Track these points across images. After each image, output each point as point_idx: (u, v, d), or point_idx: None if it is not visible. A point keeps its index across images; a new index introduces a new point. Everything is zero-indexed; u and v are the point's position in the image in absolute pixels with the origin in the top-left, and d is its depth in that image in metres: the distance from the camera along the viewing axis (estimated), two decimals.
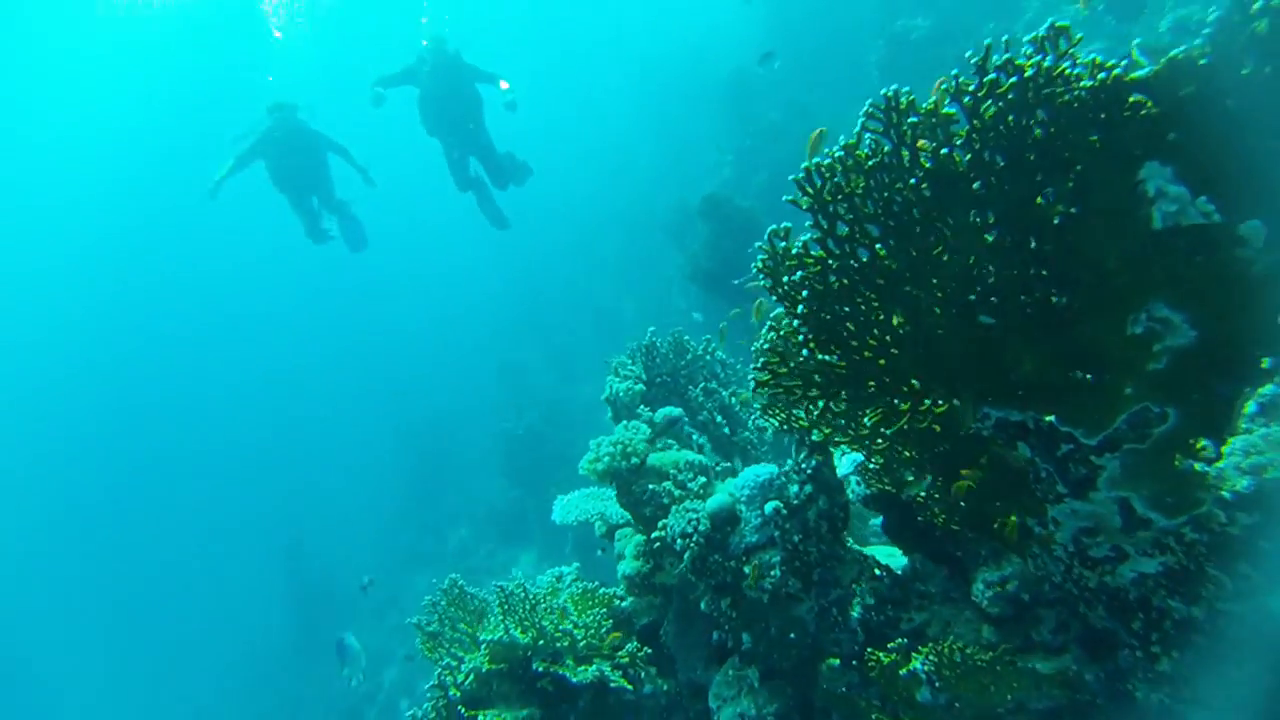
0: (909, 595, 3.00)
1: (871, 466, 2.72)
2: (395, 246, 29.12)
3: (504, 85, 8.15)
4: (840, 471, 3.05)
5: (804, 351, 1.75)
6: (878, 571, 3.04)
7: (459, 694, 3.12)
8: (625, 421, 3.57)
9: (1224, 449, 2.00)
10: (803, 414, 2.33)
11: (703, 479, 3.26)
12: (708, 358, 4.68)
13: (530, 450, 15.29)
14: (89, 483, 27.75)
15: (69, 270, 28.30)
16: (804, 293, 1.69)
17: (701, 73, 16.31)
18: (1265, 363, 1.93)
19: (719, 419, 4.45)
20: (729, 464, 3.99)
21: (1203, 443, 1.90)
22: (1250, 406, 2.08)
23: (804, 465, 2.87)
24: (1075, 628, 2.54)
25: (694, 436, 4.20)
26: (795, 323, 1.73)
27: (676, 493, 3.18)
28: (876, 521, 3.47)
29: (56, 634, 23.88)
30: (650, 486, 3.25)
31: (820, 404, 1.95)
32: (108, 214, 27.33)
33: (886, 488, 2.85)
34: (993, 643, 2.69)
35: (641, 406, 4.21)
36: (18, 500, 26.81)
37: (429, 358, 27.12)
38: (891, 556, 3.21)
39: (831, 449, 3.20)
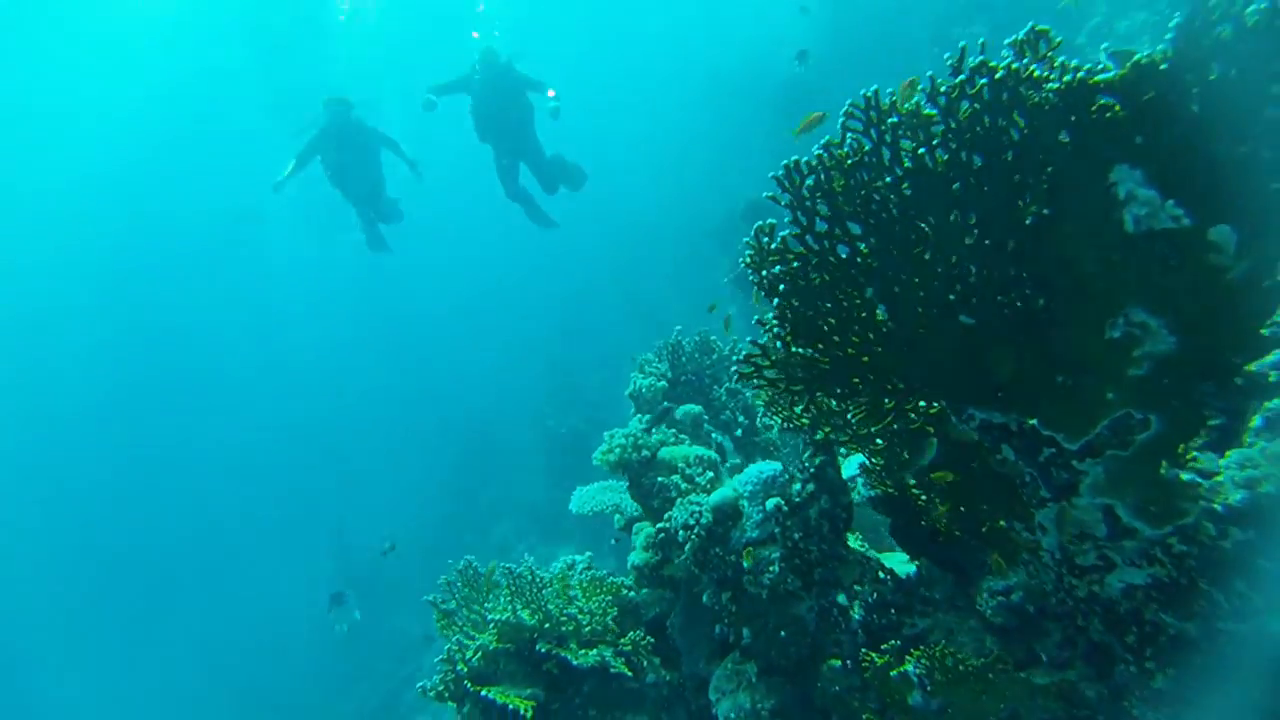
0: (913, 600, 2.99)
1: (872, 467, 2.73)
2: (447, 243, 29.76)
3: (550, 94, 8.37)
4: (846, 473, 3.06)
5: (778, 344, 1.79)
6: (881, 575, 3.04)
7: (467, 669, 3.24)
8: (639, 415, 3.64)
9: (1221, 462, 1.96)
10: (802, 411, 2.35)
11: (710, 474, 3.31)
12: (734, 358, 4.72)
13: (572, 450, 15.48)
14: (131, 469, 28.83)
15: (121, 257, 29.38)
16: (781, 286, 1.73)
17: (757, 80, 16.29)
18: (1272, 377, 1.90)
19: (741, 418, 4.49)
20: (743, 462, 4.02)
21: (1193, 453, 1.87)
22: (1256, 421, 2.03)
23: (807, 464, 2.89)
24: (1082, 643, 2.50)
25: (714, 435, 4.25)
26: (771, 315, 1.78)
27: (684, 486, 3.24)
28: None
29: (103, 617, 25.05)
30: (659, 479, 3.31)
31: (804, 399, 1.99)
32: (163, 201, 28.28)
33: (890, 490, 2.85)
34: (996, 654, 2.67)
35: (664, 403, 4.28)
36: (73, 489, 28.22)
37: (476, 356, 27.57)
38: (907, 563, 3.20)
39: (842, 450, 3.21)
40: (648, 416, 3.60)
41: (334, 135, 8.56)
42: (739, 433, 4.06)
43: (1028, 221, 1.55)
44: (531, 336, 23.71)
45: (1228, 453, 1.97)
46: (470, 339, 29.49)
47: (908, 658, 2.65)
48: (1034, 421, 1.84)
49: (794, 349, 1.79)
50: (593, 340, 20.36)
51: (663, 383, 4.34)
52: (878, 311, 1.82)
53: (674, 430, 3.60)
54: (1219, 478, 1.99)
